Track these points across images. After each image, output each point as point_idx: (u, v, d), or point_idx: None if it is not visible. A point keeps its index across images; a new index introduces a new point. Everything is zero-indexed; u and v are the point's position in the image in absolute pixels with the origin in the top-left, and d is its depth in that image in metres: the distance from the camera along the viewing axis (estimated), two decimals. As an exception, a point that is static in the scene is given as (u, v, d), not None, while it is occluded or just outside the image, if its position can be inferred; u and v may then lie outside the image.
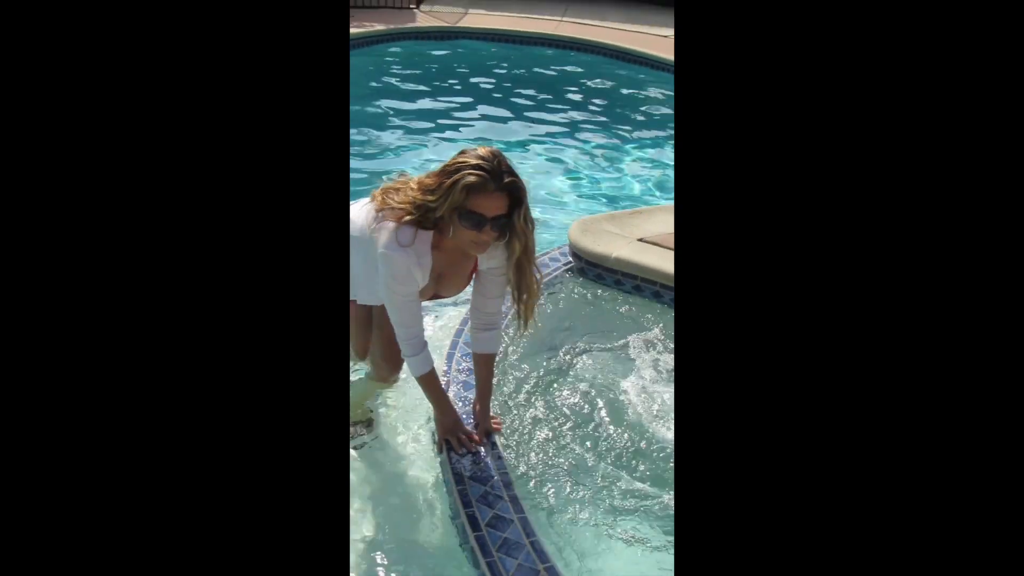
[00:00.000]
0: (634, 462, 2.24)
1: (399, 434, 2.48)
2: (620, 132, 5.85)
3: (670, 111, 6.17)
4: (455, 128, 5.67)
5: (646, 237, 3.42)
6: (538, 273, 2.05)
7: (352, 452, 2.38)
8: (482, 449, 2.18)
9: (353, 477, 2.27)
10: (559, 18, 8.15)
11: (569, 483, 2.15)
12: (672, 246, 3.33)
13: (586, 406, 2.46)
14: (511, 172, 1.87)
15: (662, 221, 3.61)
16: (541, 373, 2.63)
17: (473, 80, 6.70)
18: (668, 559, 1.92)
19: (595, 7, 8.63)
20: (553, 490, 2.13)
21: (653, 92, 6.67)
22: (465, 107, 6.09)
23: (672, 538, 1.95)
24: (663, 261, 3.19)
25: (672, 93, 6.48)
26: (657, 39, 7.68)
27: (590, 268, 3.28)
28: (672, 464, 2.19)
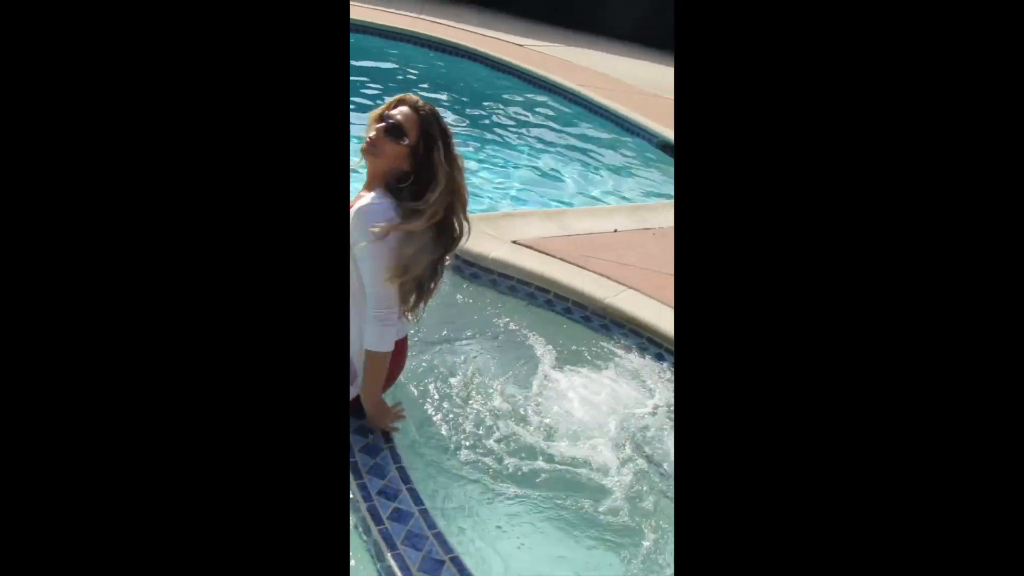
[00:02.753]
0: (523, 455, 2.32)
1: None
2: (482, 135, 5.93)
3: (530, 116, 6.34)
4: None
5: (520, 240, 3.52)
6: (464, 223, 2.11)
7: None
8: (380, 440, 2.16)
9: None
10: (415, 15, 8.13)
11: (463, 476, 2.19)
12: (544, 250, 3.45)
13: (480, 399, 2.50)
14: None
15: (534, 225, 3.73)
16: (436, 365, 2.64)
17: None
18: (558, 545, 2.01)
19: (450, 8, 8.69)
20: (446, 481, 2.16)
21: (512, 96, 6.83)
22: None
23: (560, 525, 2.06)
24: (539, 264, 3.30)
25: (521, 98, 6.68)
26: (509, 46, 7.87)
27: (467, 267, 3.32)
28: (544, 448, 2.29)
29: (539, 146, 5.84)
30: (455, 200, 2.05)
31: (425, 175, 2.00)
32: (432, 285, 2.15)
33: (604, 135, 6.34)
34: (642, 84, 7.92)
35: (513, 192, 4.91)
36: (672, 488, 2.23)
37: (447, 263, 2.20)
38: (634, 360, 2.92)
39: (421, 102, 2.06)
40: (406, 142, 2.00)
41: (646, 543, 2.07)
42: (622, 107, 6.62)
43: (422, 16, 8.17)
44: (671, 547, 2.02)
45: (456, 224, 2.10)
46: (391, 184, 2.02)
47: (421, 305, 2.16)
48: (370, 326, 2.04)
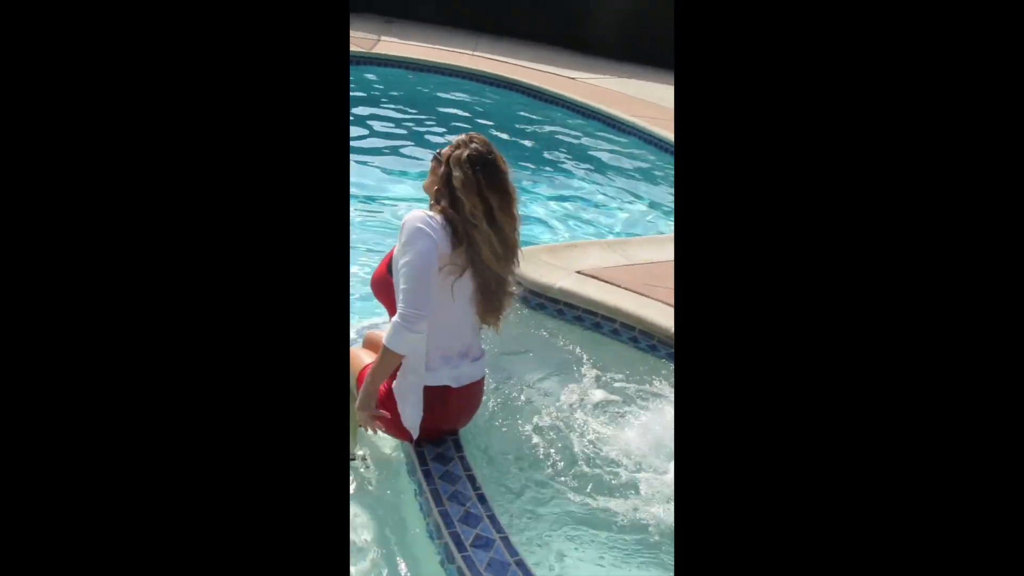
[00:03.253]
0: (581, 478, 2.35)
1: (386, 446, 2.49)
2: (537, 169, 6.03)
3: (577, 146, 6.42)
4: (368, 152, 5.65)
5: (583, 270, 3.57)
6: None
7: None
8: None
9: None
10: (470, 52, 8.32)
11: (529, 492, 2.24)
12: (608, 279, 3.50)
13: (545, 429, 2.55)
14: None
15: (595, 255, 3.78)
16: (501, 395, 2.70)
17: (383, 108, 6.70)
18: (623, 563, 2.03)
19: (506, 45, 8.88)
20: (516, 500, 2.21)
21: (564, 130, 6.92)
22: (374, 134, 6.08)
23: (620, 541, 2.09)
24: (603, 293, 3.34)
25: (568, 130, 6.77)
26: (566, 80, 7.99)
27: (532, 297, 3.39)
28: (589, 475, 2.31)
29: (597, 176, 5.91)
30: (480, 225, 2.14)
31: (451, 197, 2.15)
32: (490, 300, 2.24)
33: (660, 163, 6.38)
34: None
35: (571, 223, 4.97)
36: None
37: (513, 290, 2.30)
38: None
39: (469, 137, 2.23)
40: (441, 169, 2.20)
41: None
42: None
43: (476, 53, 8.36)
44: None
45: (482, 246, 2.16)
46: (433, 200, 2.24)
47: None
48: (394, 321, 2.11)
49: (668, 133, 6.71)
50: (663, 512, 2.22)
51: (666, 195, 5.73)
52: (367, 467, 2.42)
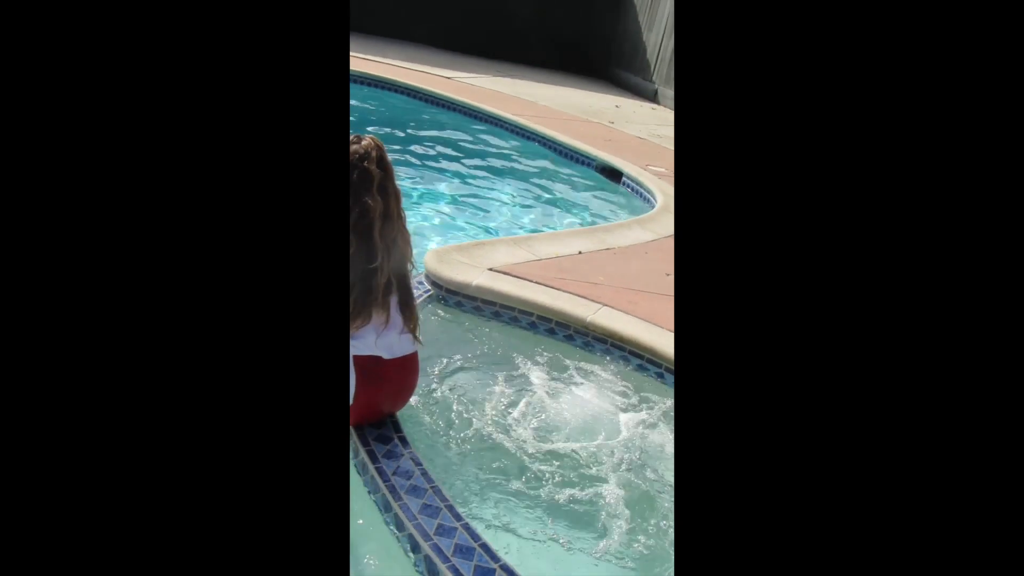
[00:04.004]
0: (545, 468, 2.48)
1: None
2: (426, 170, 6.09)
3: (476, 148, 6.53)
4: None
5: (495, 267, 3.70)
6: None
7: None
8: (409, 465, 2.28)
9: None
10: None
11: (487, 491, 2.34)
12: (520, 275, 3.64)
13: (481, 419, 2.65)
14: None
15: (503, 252, 3.91)
16: (435, 390, 2.78)
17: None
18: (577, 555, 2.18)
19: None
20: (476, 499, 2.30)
21: (453, 133, 7.01)
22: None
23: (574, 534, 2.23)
24: (518, 288, 3.48)
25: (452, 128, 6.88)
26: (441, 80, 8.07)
27: (450, 295, 3.47)
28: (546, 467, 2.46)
29: (487, 176, 6.04)
30: (373, 221, 2.24)
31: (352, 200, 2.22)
32: (391, 298, 2.32)
33: (544, 162, 6.60)
34: (573, 111, 8.25)
35: (473, 222, 5.08)
36: (664, 483, 2.44)
37: (411, 276, 2.42)
38: (618, 371, 3.13)
39: (360, 137, 2.29)
40: None
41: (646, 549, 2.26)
42: (559, 134, 6.91)
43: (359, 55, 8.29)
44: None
45: (378, 242, 2.25)
46: None
47: (380, 318, 2.30)
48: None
49: (551, 131, 6.95)
50: (604, 487, 2.39)
51: (559, 189, 5.95)
52: None
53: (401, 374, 2.44)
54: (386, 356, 2.35)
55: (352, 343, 2.28)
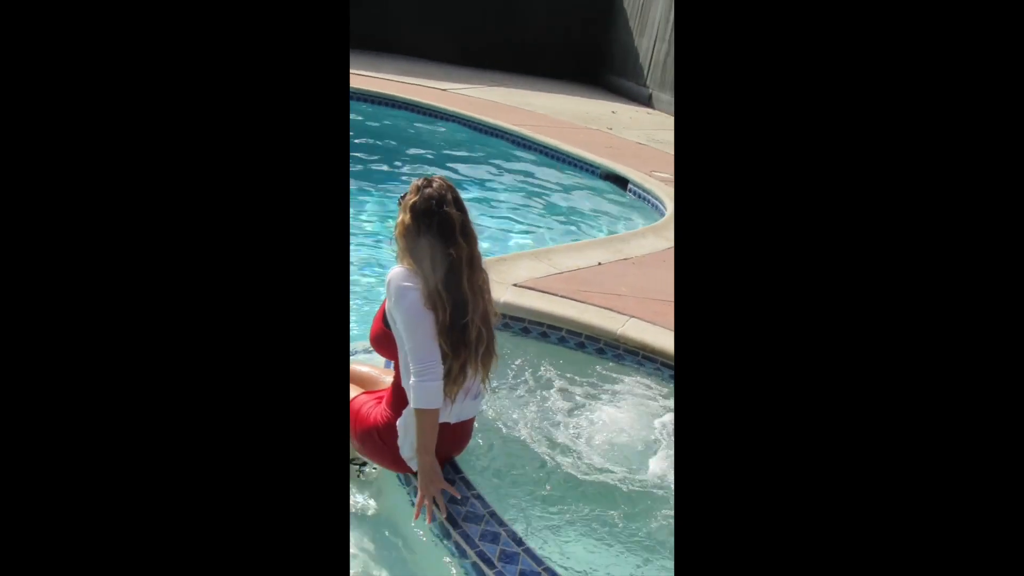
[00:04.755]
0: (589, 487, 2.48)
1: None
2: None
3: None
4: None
5: (519, 282, 3.70)
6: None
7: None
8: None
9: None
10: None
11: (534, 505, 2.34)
12: (543, 289, 3.64)
13: (523, 441, 2.65)
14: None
15: (525, 267, 3.92)
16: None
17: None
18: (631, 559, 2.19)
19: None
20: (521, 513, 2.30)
21: (453, 146, 7.01)
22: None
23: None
24: (545, 303, 3.48)
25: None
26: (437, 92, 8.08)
27: (477, 313, 3.47)
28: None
29: (495, 188, 6.05)
30: (462, 271, 2.11)
31: (411, 245, 2.12)
32: (470, 348, 2.17)
33: (549, 171, 6.61)
34: (571, 118, 8.27)
35: (489, 236, 5.08)
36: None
37: (496, 321, 2.31)
38: (653, 383, 3.13)
39: (429, 180, 2.16)
40: (400, 216, 2.15)
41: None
42: (561, 142, 6.92)
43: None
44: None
45: (467, 292, 2.13)
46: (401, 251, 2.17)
47: (470, 372, 2.18)
48: (412, 383, 2.08)
49: (553, 140, 6.96)
50: (651, 501, 2.39)
51: (569, 199, 5.96)
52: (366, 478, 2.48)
53: (460, 434, 2.34)
54: (452, 422, 2.24)
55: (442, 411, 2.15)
